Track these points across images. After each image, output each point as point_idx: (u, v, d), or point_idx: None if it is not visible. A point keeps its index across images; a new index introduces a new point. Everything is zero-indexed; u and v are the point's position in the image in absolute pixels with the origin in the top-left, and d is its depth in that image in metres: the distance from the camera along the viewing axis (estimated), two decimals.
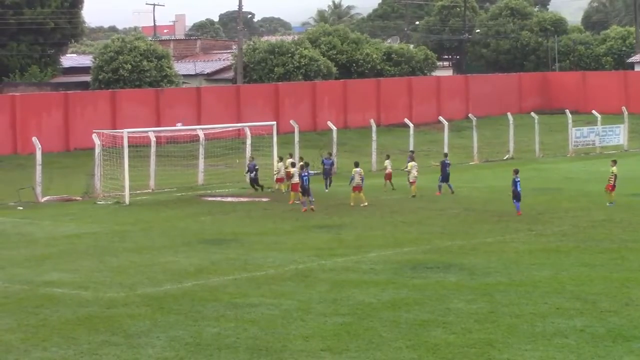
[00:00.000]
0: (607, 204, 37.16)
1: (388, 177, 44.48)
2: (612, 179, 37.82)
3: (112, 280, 25.03)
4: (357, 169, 39.77)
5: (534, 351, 17.87)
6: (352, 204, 39.06)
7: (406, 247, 29.31)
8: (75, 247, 30.70)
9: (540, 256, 27.23)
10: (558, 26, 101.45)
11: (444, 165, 42.96)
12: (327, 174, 44.82)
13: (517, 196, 35.69)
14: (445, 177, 42.67)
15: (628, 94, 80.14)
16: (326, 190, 43.84)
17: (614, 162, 38.75)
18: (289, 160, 43.95)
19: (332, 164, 45.97)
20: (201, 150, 48.48)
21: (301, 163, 40.68)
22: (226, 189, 46.52)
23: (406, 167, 43.20)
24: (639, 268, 25.34)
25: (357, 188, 39.42)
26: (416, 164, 43.04)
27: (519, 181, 35.85)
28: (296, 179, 39.95)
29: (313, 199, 38.33)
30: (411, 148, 53.16)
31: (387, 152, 48.97)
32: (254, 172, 45.10)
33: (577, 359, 17.45)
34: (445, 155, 45.12)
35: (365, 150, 57.55)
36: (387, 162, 45.05)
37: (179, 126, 49.06)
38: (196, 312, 21.16)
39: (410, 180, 42.22)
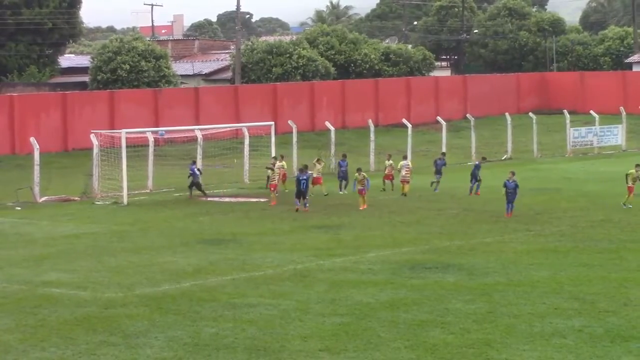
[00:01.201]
0: (628, 206, 36.68)
1: (389, 177, 44.44)
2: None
3: (111, 280, 25.02)
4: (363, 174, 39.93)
5: (532, 351, 17.88)
6: (365, 206, 38.78)
7: (404, 247, 29.31)
8: (74, 247, 30.69)
9: (539, 256, 27.24)
10: (556, 26, 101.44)
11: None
12: (342, 176, 44.39)
13: (513, 197, 35.63)
14: (471, 178, 42.77)
15: (626, 94, 79.99)
16: (345, 192, 43.47)
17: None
18: (278, 163, 43.56)
19: (347, 165, 45.55)
20: (199, 151, 48.47)
21: (300, 167, 40.72)
22: (224, 189, 46.51)
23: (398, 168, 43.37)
24: (637, 268, 25.36)
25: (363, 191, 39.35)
26: (407, 164, 43.04)
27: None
28: (275, 180, 41.28)
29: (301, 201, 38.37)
30: (409, 149, 53.18)
31: (388, 152, 48.74)
32: (197, 176, 43.36)
33: (576, 359, 17.47)
34: (483, 159, 45.58)
35: (363, 150, 57.49)
36: (388, 163, 45.01)
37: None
38: (194, 313, 21.16)
39: (399, 180, 42.37)
